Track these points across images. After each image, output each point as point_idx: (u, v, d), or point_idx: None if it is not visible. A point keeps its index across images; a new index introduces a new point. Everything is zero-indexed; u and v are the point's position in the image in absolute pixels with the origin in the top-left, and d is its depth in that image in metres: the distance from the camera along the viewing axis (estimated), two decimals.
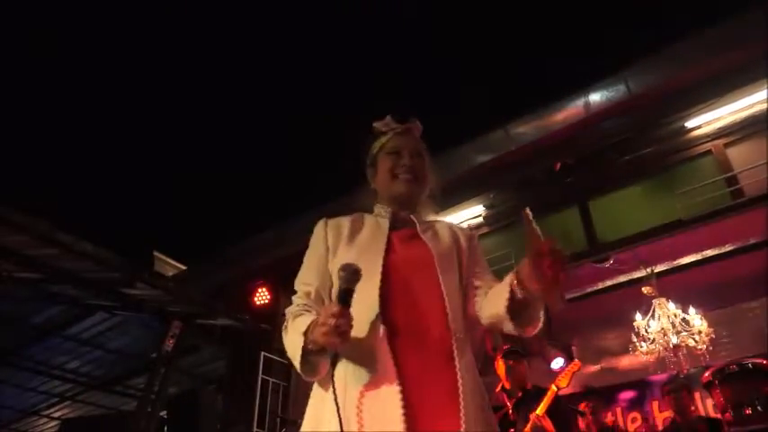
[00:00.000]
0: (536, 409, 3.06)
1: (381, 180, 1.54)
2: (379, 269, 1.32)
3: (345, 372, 1.24)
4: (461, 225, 1.63)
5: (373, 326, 1.24)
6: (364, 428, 1.15)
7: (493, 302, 1.31)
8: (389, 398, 1.16)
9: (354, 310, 1.17)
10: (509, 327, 1.28)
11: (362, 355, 1.23)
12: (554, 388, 3.16)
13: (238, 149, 17.21)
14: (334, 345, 1.16)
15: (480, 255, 1.51)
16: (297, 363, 1.25)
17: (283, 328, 1.36)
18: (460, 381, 1.21)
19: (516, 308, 1.24)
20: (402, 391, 1.16)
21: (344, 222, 1.48)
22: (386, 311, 1.26)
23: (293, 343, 1.26)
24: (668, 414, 5.83)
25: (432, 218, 1.58)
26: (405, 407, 1.14)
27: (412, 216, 1.51)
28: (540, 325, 1.29)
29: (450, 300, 1.30)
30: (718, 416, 3.73)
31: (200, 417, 5.03)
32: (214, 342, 5.60)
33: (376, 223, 1.48)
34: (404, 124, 1.58)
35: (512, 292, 1.23)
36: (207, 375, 6.79)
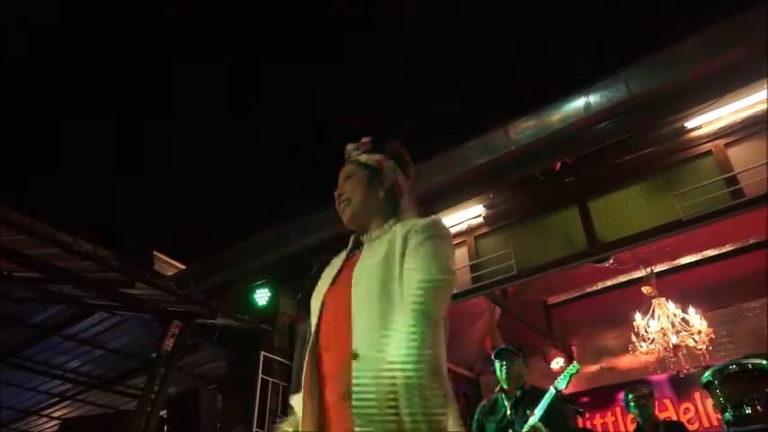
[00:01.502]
0: (535, 409, 3.06)
1: None
2: (318, 307, 1.43)
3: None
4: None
5: (308, 360, 1.37)
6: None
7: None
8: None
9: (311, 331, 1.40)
10: None
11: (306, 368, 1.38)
12: (553, 389, 3.15)
13: (238, 150, 17.21)
14: None
15: (414, 254, 1.30)
16: None
17: None
18: (354, 386, 1.20)
19: None
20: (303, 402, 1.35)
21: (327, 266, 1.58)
22: (317, 348, 1.37)
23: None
24: (666, 414, 5.85)
25: (408, 219, 1.44)
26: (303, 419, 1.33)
27: (362, 238, 1.50)
28: None
29: (359, 338, 1.25)
30: (716, 416, 3.73)
31: (200, 417, 5.03)
32: (214, 342, 5.60)
33: (338, 258, 1.56)
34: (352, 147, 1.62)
35: None
36: (207, 375, 6.79)
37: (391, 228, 1.44)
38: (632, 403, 3.93)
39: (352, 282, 1.34)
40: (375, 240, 1.44)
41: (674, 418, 5.70)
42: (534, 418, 3.02)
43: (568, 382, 3.26)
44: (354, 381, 1.20)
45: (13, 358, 5.96)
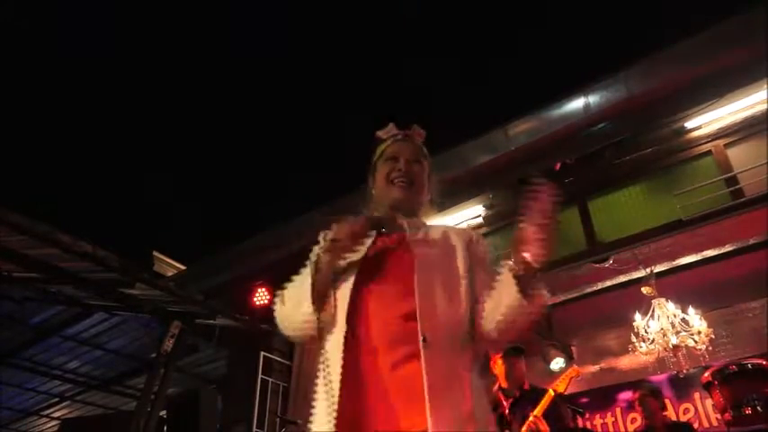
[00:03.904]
0: (533, 410, 3.06)
1: (379, 186, 1.58)
2: (355, 271, 1.37)
3: (318, 374, 1.33)
4: (463, 226, 1.66)
5: (339, 327, 1.30)
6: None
7: (497, 302, 1.31)
8: (328, 405, 1.22)
9: (332, 307, 1.34)
10: (520, 313, 1.28)
11: (326, 356, 1.30)
12: (551, 392, 3.15)
13: (238, 150, 17.20)
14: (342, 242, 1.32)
15: (484, 257, 1.48)
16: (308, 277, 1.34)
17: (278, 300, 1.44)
18: (426, 380, 1.18)
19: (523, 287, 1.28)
20: (340, 401, 1.20)
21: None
22: (355, 313, 1.31)
23: (301, 275, 1.39)
24: (666, 414, 5.85)
25: (431, 222, 1.59)
26: (336, 416, 1.19)
27: (405, 221, 1.50)
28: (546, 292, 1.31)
29: (422, 300, 1.28)
30: (716, 417, 3.73)
31: (200, 417, 5.03)
32: (214, 342, 5.60)
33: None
34: (405, 131, 1.62)
35: (515, 277, 1.27)
36: (207, 375, 6.79)
37: (436, 220, 1.57)
38: (638, 402, 3.92)
39: (416, 262, 1.34)
40: (424, 228, 1.51)
41: (674, 418, 5.70)
42: (532, 419, 3.02)
43: (567, 385, 3.26)
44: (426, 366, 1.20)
45: (13, 358, 5.97)
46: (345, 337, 1.28)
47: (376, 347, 1.28)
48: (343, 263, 1.41)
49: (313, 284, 1.33)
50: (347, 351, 1.26)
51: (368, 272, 1.38)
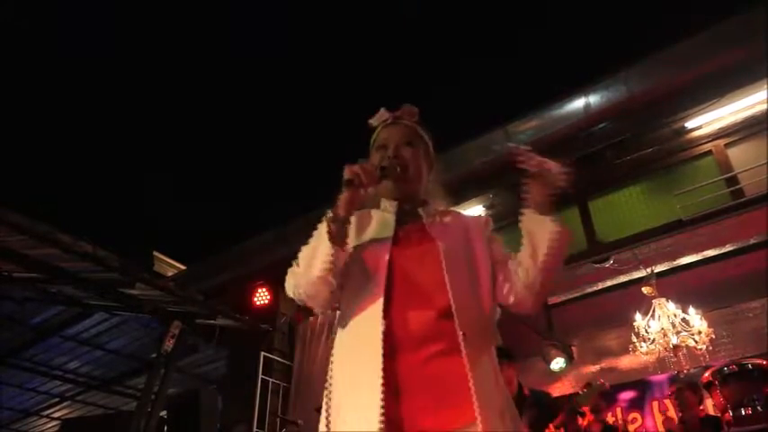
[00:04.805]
0: (551, 421, 3.00)
1: None
2: (385, 263, 1.32)
3: (338, 367, 1.30)
4: (473, 214, 1.58)
5: (373, 322, 1.25)
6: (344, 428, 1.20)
7: (533, 245, 1.35)
8: (369, 403, 1.16)
9: (357, 302, 1.29)
10: (562, 240, 1.32)
11: (357, 351, 1.26)
12: (581, 413, 3.07)
13: (238, 150, 17.20)
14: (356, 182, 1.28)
15: (498, 241, 1.47)
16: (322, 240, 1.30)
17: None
18: (471, 375, 1.17)
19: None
20: (383, 398, 1.16)
21: (351, 217, 1.46)
22: (388, 307, 1.27)
23: (314, 238, 1.35)
24: (670, 414, 5.84)
25: (442, 208, 1.53)
26: (383, 414, 1.14)
27: (419, 210, 1.47)
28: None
29: (456, 295, 1.26)
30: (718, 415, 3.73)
31: (200, 417, 5.03)
32: (214, 342, 5.60)
33: (383, 218, 1.46)
34: (393, 113, 1.53)
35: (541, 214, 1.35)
36: (207, 375, 6.79)
37: (446, 211, 1.50)
38: (676, 395, 3.90)
39: (443, 255, 1.31)
40: (439, 216, 1.47)
41: (675, 418, 5.69)
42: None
43: (589, 401, 3.21)
44: (468, 359, 1.19)
45: (13, 359, 5.97)
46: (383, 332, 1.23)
47: (411, 343, 1.24)
48: (367, 236, 1.39)
49: (332, 236, 1.28)
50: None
51: (397, 260, 1.33)
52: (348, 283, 1.35)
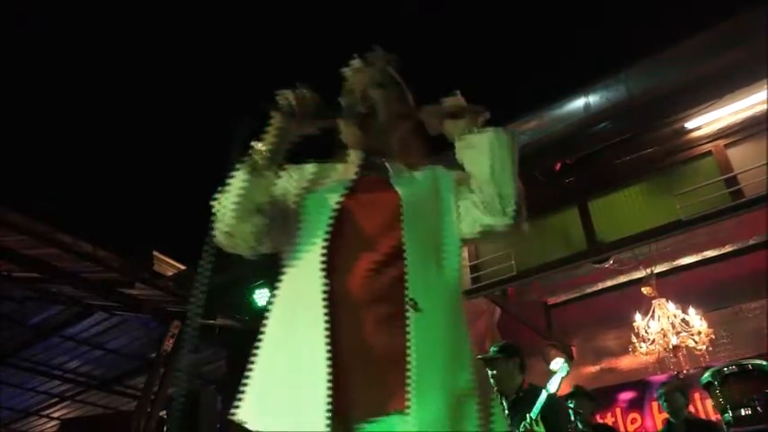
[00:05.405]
0: (529, 410, 3.03)
1: (340, 125, 1.34)
2: (333, 209, 1.15)
3: (271, 335, 1.16)
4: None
5: (313, 275, 1.09)
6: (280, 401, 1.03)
7: (475, 170, 1.21)
8: (313, 395, 0.99)
9: (298, 251, 1.14)
10: (510, 146, 1.23)
11: (295, 313, 1.11)
12: (545, 392, 3.11)
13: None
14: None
15: (465, 180, 1.25)
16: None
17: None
18: (411, 352, 0.99)
19: None
20: (331, 372, 0.99)
21: (309, 166, 1.34)
22: (332, 263, 1.10)
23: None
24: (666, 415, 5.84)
25: (421, 164, 1.34)
26: (331, 389, 0.98)
27: (385, 162, 1.29)
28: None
29: (412, 253, 1.09)
30: (716, 417, 3.74)
31: (200, 417, 5.03)
32: (214, 342, 5.60)
33: (344, 168, 1.31)
34: (363, 57, 1.37)
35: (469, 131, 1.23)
36: (207, 375, 6.79)
37: (421, 169, 1.30)
38: (661, 399, 3.92)
39: (403, 212, 1.14)
40: (404, 171, 1.29)
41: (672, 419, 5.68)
42: (528, 420, 3.01)
43: (560, 385, 3.23)
44: (411, 332, 1.01)
45: (13, 358, 5.97)
46: (326, 293, 1.06)
47: (356, 304, 1.07)
48: (321, 184, 1.24)
49: (253, 166, 1.16)
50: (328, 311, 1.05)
51: (348, 208, 1.17)
52: (291, 230, 1.20)
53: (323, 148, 1.35)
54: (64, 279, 4.39)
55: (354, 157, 1.31)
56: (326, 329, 1.03)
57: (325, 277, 1.08)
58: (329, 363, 1.00)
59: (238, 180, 1.17)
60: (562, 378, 3.24)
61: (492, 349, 3.41)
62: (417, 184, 1.24)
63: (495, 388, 3.30)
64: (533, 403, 3.07)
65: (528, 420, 2.99)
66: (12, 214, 3.71)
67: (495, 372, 3.26)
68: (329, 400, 0.97)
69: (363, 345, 1.04)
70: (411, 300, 1.04)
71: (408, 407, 0.95)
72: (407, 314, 1.03)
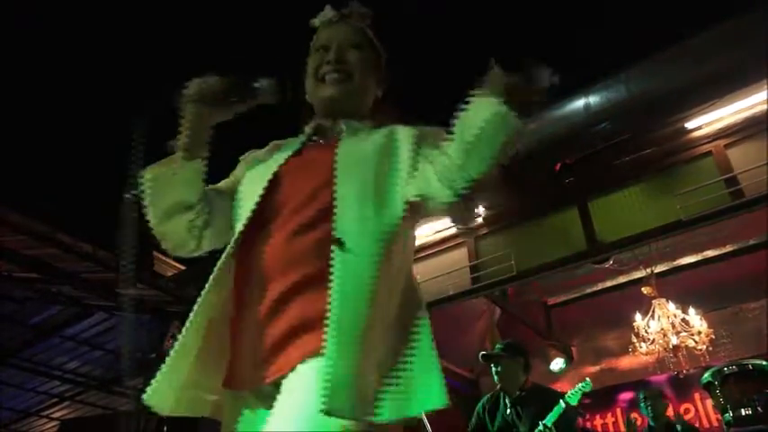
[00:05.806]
0: (542, 416, 3.02)
1: (308, 86, 1.24)
2: (264, 184, 1.08)
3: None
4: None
5: (224, 256, 1.10)
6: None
7: (457, 135, 1.00)
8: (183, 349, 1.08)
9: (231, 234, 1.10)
10: (505, 127, 1.00)
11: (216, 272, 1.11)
12: (563, 404, 3.10)
13: (239, 150, 17.20)
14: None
15: (434, 134, 1.09)
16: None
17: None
18: (333, 305, 0.89)
19: None
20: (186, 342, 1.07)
21: (261, 152, 1.27)
22: (256, 235, 1.06)
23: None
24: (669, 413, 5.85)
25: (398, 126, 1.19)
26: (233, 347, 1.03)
27: (342, 123, 1.18)
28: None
29: (343, 209, 0.99)
30: (716, 417, 3.75)
31: (200, 417, 5.03)
32: None
33: (293, 141, 1.23)
34: (341, 11, 1.25)
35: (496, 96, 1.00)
36: None
37: (384, 129, 1.16)
38: (642, 403, 3.96)
39: (337, 163, 1.04)
40: (363, 131, 1.16)
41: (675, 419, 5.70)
42: (542, 427, 3.00)
43: (580, 399, 3.23)
44: (336, 274, 0.92)
45: (13, 358, 5.97)
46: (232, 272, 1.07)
47: (267, 274, 1.02)
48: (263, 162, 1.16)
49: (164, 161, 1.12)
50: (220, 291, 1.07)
51: (280, 176, 1.10)
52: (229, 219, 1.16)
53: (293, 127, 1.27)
54: (64, 279, 4.39)
55: (307, 128, 1.24)
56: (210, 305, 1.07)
57: (232, 256, 1.08)
58: (193, 334, 1.08)
59: (147, 181, 1.15)
60: (583, 392, 3.24)
61: (497, 347, 3.41)
62: (365, 140, 1.12)
63: (498, 385, 3.32)
64: (538, 403, 3.07)
65: (541, 428, 2.99)
66: (12, 214, 3.71)
67: (498, 369, 3.27)
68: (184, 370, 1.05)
69: (261, 318, 1.01)
70: (338, 258, 0.94)
71: (324, 347, 0.87)
72: (332, 255, 0.94)
